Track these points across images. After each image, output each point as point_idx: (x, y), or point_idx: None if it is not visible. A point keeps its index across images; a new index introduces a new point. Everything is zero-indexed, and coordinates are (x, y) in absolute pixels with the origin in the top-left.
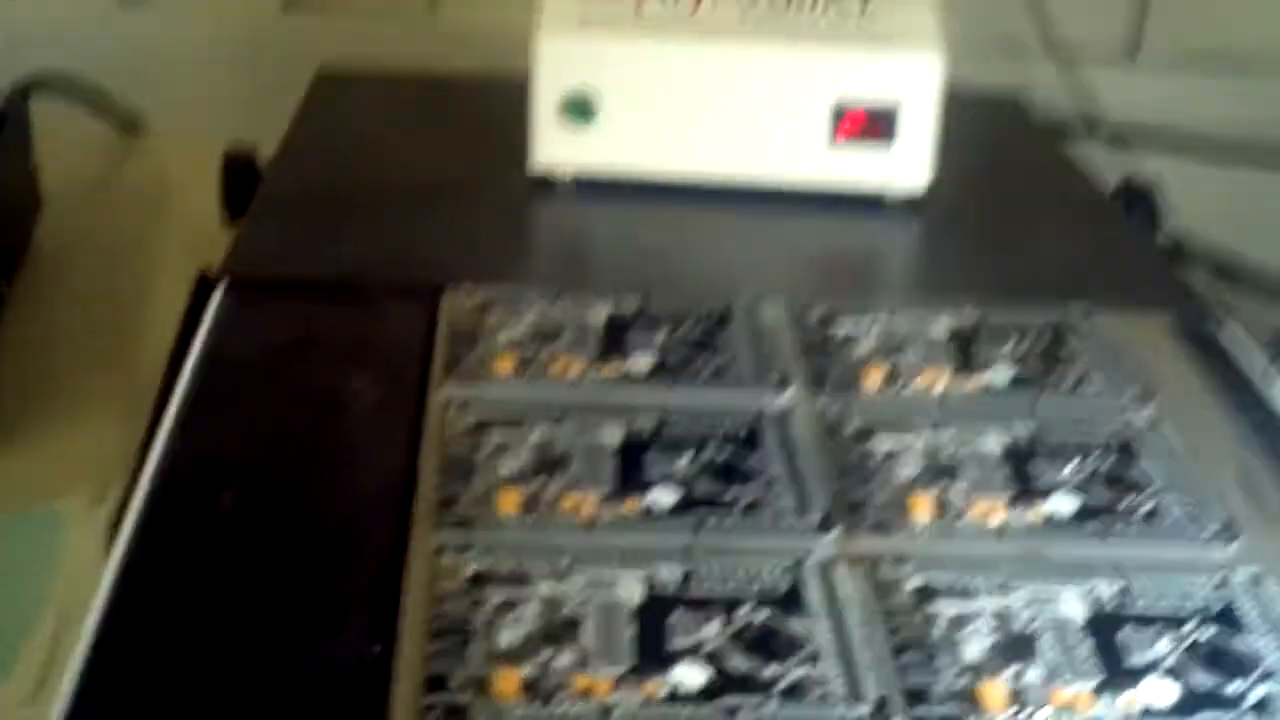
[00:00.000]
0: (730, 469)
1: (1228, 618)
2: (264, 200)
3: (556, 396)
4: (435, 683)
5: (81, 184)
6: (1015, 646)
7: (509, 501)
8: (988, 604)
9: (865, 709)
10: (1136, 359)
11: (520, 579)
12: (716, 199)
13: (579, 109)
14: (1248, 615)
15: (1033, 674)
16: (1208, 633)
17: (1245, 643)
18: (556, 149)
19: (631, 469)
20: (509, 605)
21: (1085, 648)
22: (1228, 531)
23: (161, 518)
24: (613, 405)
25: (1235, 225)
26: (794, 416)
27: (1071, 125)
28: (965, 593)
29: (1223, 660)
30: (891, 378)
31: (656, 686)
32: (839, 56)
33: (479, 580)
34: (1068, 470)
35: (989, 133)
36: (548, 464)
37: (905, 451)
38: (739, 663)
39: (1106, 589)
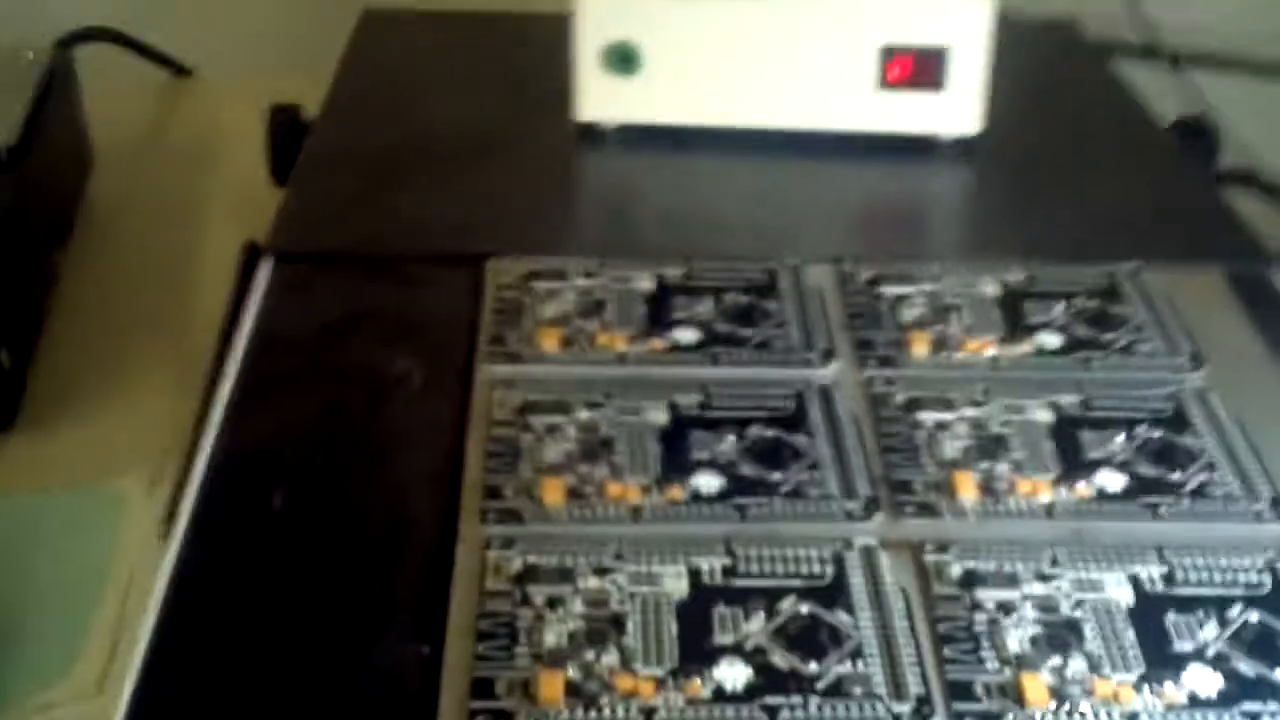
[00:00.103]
0: (775, 450)
1: (1273, 600)
2: (308, 163)
3: (601, 374)
4: (481, 687)
5: (131, 135)
6: (1058, 636)
7: (554, 491)
8: (1032, 590)
9: (906, 707)
10: (1189, 319)
11: (565, 574)
12: (764, 147)
13: (622, 60)
14: None
15: (1075, 665)
16: (1254, 616)
17: None
18: (600, 101)
19: (676, 452)
20: (554, 603)
21: (1129, 636)
22: (1276, 508)
23: (214, 518)
24: (657, 382)
25: None
26: (839, 390)
27: (1128, 49)
28: (1009, 579)
29: (1268, 646)
30: (939, 345)
31: (699, 687)
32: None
33: (525, 577)
34: (1116, 443)
35: (1043, 61)
36: (592, 448)
37: (952, 425)
38: (781, 660)
39: (1152, 571)
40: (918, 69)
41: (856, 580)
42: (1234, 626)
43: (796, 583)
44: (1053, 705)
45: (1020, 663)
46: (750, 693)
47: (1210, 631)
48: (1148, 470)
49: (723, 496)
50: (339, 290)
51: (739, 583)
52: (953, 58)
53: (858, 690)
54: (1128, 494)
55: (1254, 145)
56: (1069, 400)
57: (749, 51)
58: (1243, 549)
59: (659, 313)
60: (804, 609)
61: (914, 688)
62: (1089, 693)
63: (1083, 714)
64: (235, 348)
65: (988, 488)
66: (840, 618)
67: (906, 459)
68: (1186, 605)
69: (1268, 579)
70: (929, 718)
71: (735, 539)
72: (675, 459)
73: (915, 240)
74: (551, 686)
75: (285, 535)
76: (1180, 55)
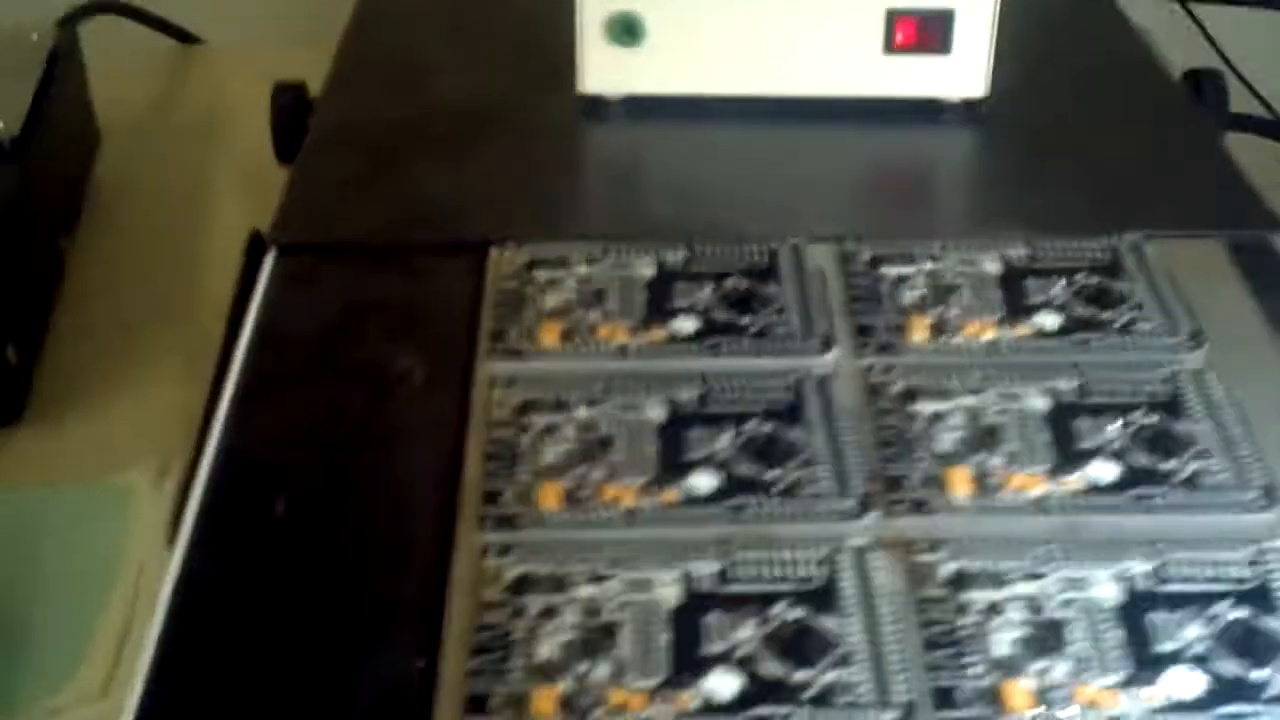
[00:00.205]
0: (770, 446)
1: (1260, 597)
2: (312, 147)
3: (601, 368)
4: (475, 703)
5: (138, 109)
6: (1044, 638)
7: (551, 495)
8: (1020, 590)
9: (892, 715)
10: (1190, 293)
11: (560, 583)
12: (770, 114)
13: (626, 31)
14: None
15: (1059, 669)
16: (1239, 614)
17: (1275, 623)
18: (604, 73)
19: (673, 450)
20: (549, 613)
21: (1114, 636)
22: (1267, 497)
23: (218, 524)
24: (656, 375)
25: None
26: (837, 380)
27: None
28: (998, 579)
29: (1251, 645)
30: (938, 329)
31: (689, 698)
32: None
33: (520, 586)
34: (1111, 430)
35: (1053, 11)
36: (590, 448)
37: (948, 415)
38: (771, 668)
39: (1140, 567)
40: (923, 32)
41: (847, 583)
42: (1219, 625)
43: (788, 587)
44: (1035, 711)
45: (1005, 667)
46: (740, 703)
47: (1195, 630)
48: (1141, 459)
49: (718, 497)
50: (343, 283)
51: (731, 588)
52: (959, 20)
53: (845, 699)
54: (1120, 485)
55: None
56: (1066, 385)
57: (753, 18)
58: (1231, 541)
59: (659, 300)
60: (795, 614)
61: (900, 695)
62: (1071, 697)
63: None
64: (240, 345)
65: (981, 482)
66: (830, 623)
67: (901, 453)
68: (1173, 603)
69: (1253, 573)
70: None
71: (729, 541)
72: (672, 458)
73: (919, 213)
74: (545, 700)
75: (287, 542)
76: None
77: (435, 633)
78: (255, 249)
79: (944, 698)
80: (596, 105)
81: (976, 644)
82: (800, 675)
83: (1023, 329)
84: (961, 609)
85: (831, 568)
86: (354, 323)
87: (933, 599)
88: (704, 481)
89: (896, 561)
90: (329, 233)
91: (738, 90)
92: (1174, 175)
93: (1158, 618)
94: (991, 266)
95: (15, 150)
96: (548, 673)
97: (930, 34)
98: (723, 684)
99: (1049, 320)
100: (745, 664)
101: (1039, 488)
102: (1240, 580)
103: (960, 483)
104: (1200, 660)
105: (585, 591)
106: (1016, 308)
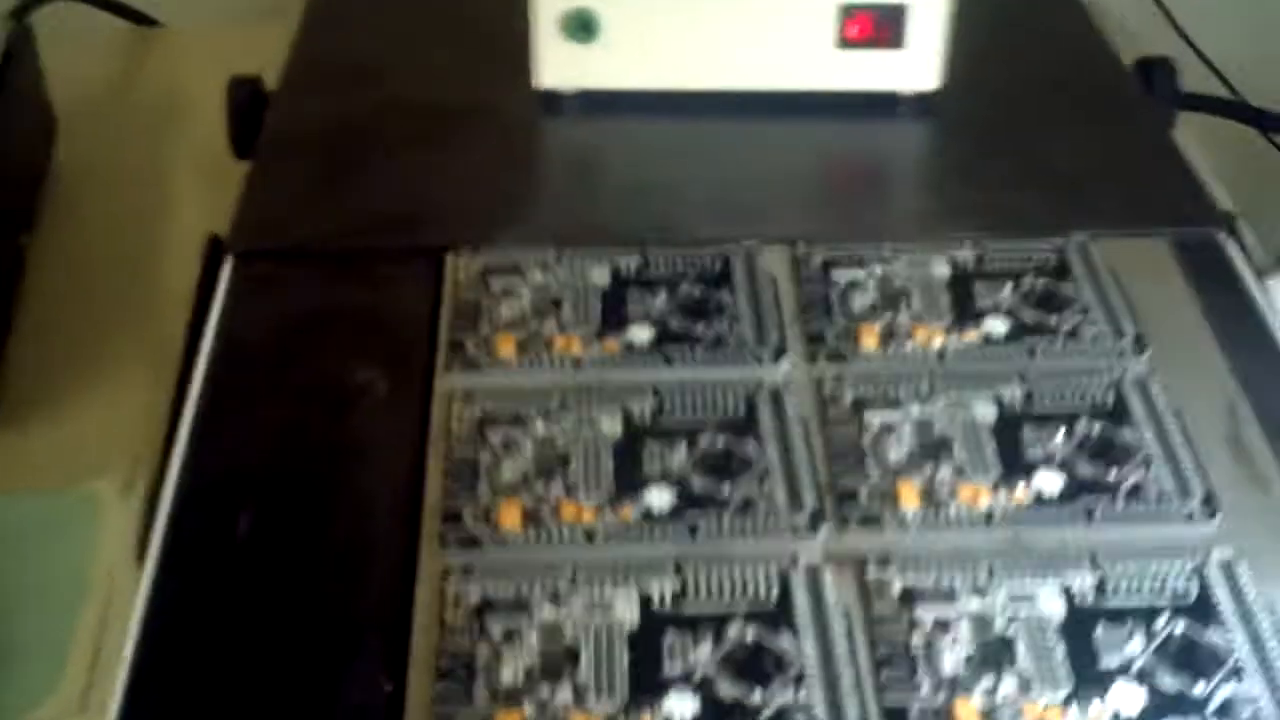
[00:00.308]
0: (725, 460)
1: (1200, 609)
2: (268, 146)
3: (557, 381)
4: None
5: (95, 97)
6: (992, 655)
7: (511, 514)
8: (968, 605)
9: None
10: (1135, 295)
11: (521, 605)
12: (725, 109)
13: (581, 28)
14: (1220, 604)
15: (1007, 685)
16: (1179, 627)
17: (1215, 637)
18: (559, 69)
19: (628, 466)
20: (510, 636)
21: (1059, 651)
22: (1209, 506)
23: (183, 546)
24: (612, 387)
25: None
26: (789, 391)
27: None
28: (947, 595)
29: (1191, 658)
30: (888, 336)
31: None
32: None
33: (482, 609)
34: (1056, 441)
35: None
36: (548, 465)
37: (897, 426)
38: (727, 689)
39: (1084, 581)
40: (877, 27)
41: (801, 601)
42: (1159, 639)
43: (743, 606)
44: None
45: (954, 685)
46: None
47: (1137, 645)
48: (1085, 470)
49: (674, 514)
50: (302, 292)
51: (688, 609)
52: (912, 15)
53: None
54: (1064, 497)
55: (1229, 62)
56: (1012, 394)
57: (707, 14)
58: (1172, 553)
59: (614, 309)
60: (750, 635)
61: (852, 714)
62: (1019, 714)
63: None
64: (200, 357)
65: (929, 495)
66: (784, 643)
67: (852, 465)
68: (1115, 617)
69: (1194, 586)
70: None
71: (685, 560)
72: (628, 474)
73: (871, 212)
74: None
75: (252, 565)
76: None
77: (402, 655)
78: (213, 254)
79: (896, 717)
80: (552, 100)
81: (927, 661)
82: (756, 697)
83: (971, 335)
84: (912, 626)
85: (784, 586)
86: (314, 334)
87: (883, 617)
88: (659, 498)
89: (847, 578)
90: (286, 238)
91: (692, 85)
92: (1122, 171)
93: (1101, 632)
94: (940, 270)
95: None
96: (511, 696)
97: (883, 29)
98: (680, 705)
99: (996, 326)
100: (703, 686)
101: (986, 499)
102: (1181, 593)
103: (909, 496)
104: (1143, 675)
105: (546, 614)
106: (964, 313)
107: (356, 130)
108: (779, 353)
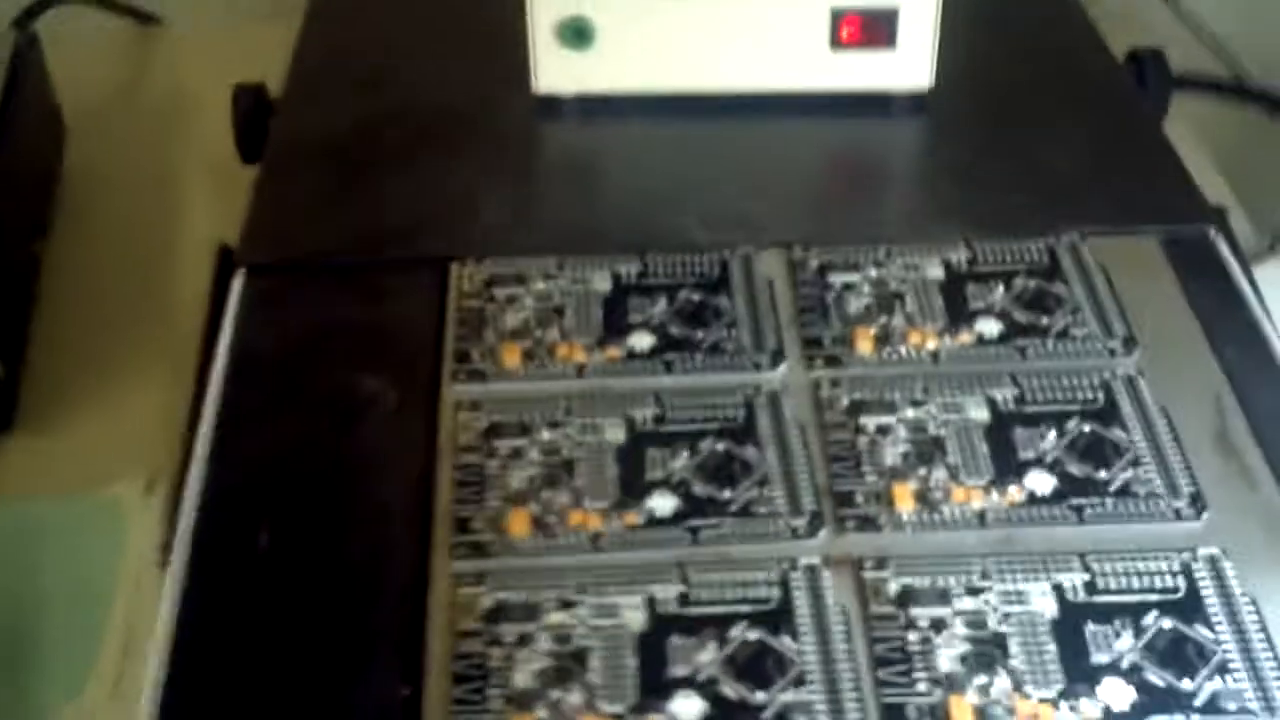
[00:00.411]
0: (725, 465)
1: (1188, 605)
2: (274, 157)
3: (561, 389)
4: None
5: (102, 101)
6: (985, 653)
7: (520, 521)
8: (962, 605)
9: None
10: (1126, 294)
11: (532, 611)
12: (721, 111)
13: (576, 35)
14: (1207, 602)
15: (1000, 682)
16: (1168, 623)
17: (1201, 634)
18: (557, 74)
19: (632, 472)
20: (523, 641)
21: (1051, 650)
22: (1196, 504)
23: (204, 558)
24: (614, 395)
25: None
26: (787, 395)
27: None
28: (942, 594)
29: (1179, 654)
30: (883, 339)
31: None
32: None
33: (495, 614)
34: (1047, 441)
35: None
36: (554, 473)
37: (893, 429)
38: (731, 690)
39: (1075, 579)
40: (868, 29)
41: (801, 602)
42: (1148, 635)
43: (746, 608)
44: None
45: (949, 683)
46: None
47: (1126, 641)
48: (1076, 469)
49: (677, 519)
50: (311, 304)
51: (693, 611)
52: (903, 15)
53: (801, 719)
54: (1056, 496)
55: (1228, 47)
56: (1005, 395)
57: (701, 18)
58: (1161, 550)
59: (615, 316)
60: (752, 635)
61: (851, 713)
62: (1011, 711)
63: None
64: (214, 369)
65: (924, 497)
66: (785, 643)
67: (849, 468)
68: (1105, 614)
69: (1182, 582)
70: None
71: (688, 563)
72: (632, 480)
73: (866, 213)
74: None
75: (270, 575)
76: None
77: (417, 661)
78: (224, 265)
79: (894, 714)
80: (551, 105)
81: (923, 659)
82: (759, 697)
83: (964, 336)
84: (908, 625)
85: (785, 587)
86: (324, 346)
87: (881, 616)
88: (663, 503)
89: (846, 579)
90: (295, 250)
91: (688, 87)
92: (1113, 168)
93: (1092, 629)
94: (934, 272)
95: None
96: (524, 701)
97: (875, 30)
98: (686, 707)
99: (989, 327)
100: (708, 686)
101: (979, 500)
102: (1170, 590)
103: (905, 498)
104: (1133, 671)
105: (556, 618)
106: (958, 315)
107: (359, 139)
108: (777, 358)
